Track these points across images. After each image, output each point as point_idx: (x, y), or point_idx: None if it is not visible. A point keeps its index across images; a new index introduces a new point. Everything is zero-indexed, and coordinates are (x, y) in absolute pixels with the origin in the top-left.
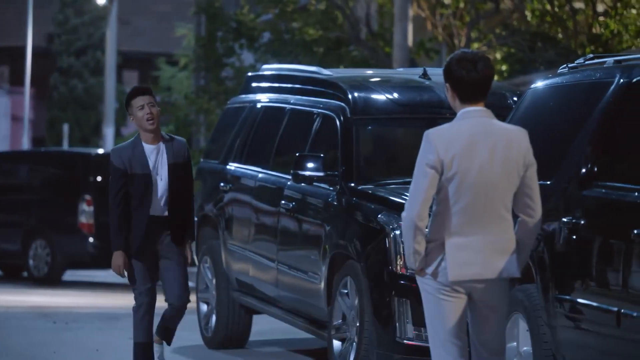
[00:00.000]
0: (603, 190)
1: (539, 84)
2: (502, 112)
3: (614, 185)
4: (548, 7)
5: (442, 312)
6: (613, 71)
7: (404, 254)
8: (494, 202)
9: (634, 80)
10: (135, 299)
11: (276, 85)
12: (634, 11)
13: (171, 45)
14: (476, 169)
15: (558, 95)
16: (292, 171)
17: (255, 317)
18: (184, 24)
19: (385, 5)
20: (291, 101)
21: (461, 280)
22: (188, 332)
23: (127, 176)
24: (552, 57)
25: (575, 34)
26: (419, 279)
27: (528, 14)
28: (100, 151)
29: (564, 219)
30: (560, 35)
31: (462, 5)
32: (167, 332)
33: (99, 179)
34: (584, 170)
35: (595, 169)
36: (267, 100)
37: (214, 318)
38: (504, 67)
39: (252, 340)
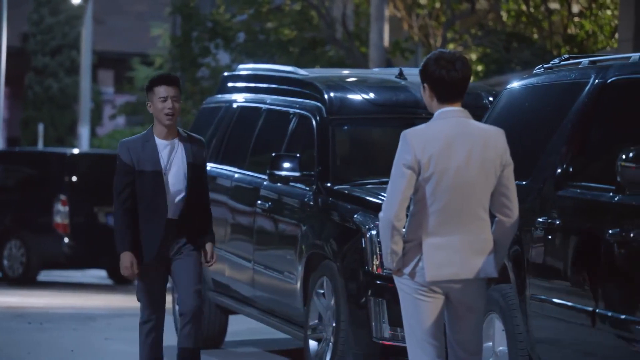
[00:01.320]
0: (578, 191)
1: (515, 84)
2: (477, 112)
3: (589, 185)
4: (523, 7)
5: (420, 312)
6: (588, 72)
7: (380, 254)
8: (471, 202)
9: (609, 80)
10: (141, 312)
11: (252, 85)
12: (608, 12)
13: (146, 45)
14: (453, 170)
15: (533, 95)
16: (268, 171)
17: (232, 318)
18: (159, 23)
19: (362, 5)
20: (267, 101)
21: (438, 280)
22: (164, 333)
23: (133, 173)
24: (527, 58)
25: (550, 35)
26: (396, 279)
27: (504, 14)
28: (76, 151)
29: (540, 219)
30: (535, 36)
31: (438, 5)
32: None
33: (74, 178)
34: (559, 170)
35: (571, 169)
36: (243, 100)
37: None
38: (479, 68)
39: (228, 341)
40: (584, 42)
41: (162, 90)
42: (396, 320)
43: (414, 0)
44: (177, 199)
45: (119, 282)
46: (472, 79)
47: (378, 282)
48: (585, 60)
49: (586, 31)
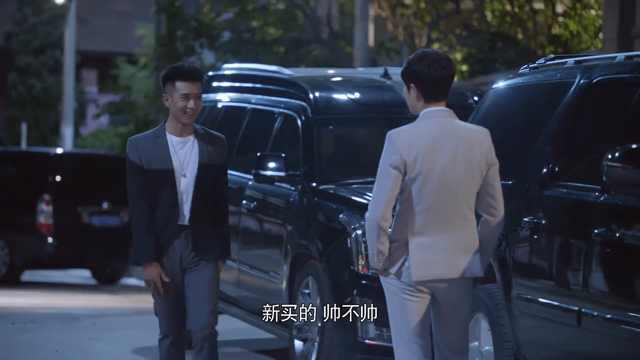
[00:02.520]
0: (564, 190)
1: (501, 84)
2: (462, 111)
3: (574, 185)
4: (508, 7)
5: (406, 311)
6: (574, 71)
7: (365, 254)
8: (457, 202)
9: (595, 80)
10: (159, 327)
11: (237, 84)
12: (593, 12)
13: (131, 45)
14: (439, 169)
15: (519, 95)
16: (253, 171)
17: None
18: (143, 23)
19: (346, 5)
20: (252, 101)
21: (425, 280)
22: (148, 332)
23: (143, 171)
24: (512, 57)
25: (535, 35)
26: (382, 279)
27: (488, 14)
28: (59, 151)
29: (526, 219)
30: (520, 36)
31: (422, 5)
32: None
33: (57, 178)
34: (545, 170)
35: (557, 169)
36: (228, 99)
37: None
38: (464, 68)
39: None
40: (569, 42)
41: (184, 87)
42: (381, 320)
43: (398, 0)
44: (189, 202)
45: (102, 282)
46: (457, 78)
47: (364, 282)
48: (570, 60)
49: (570, 31)
